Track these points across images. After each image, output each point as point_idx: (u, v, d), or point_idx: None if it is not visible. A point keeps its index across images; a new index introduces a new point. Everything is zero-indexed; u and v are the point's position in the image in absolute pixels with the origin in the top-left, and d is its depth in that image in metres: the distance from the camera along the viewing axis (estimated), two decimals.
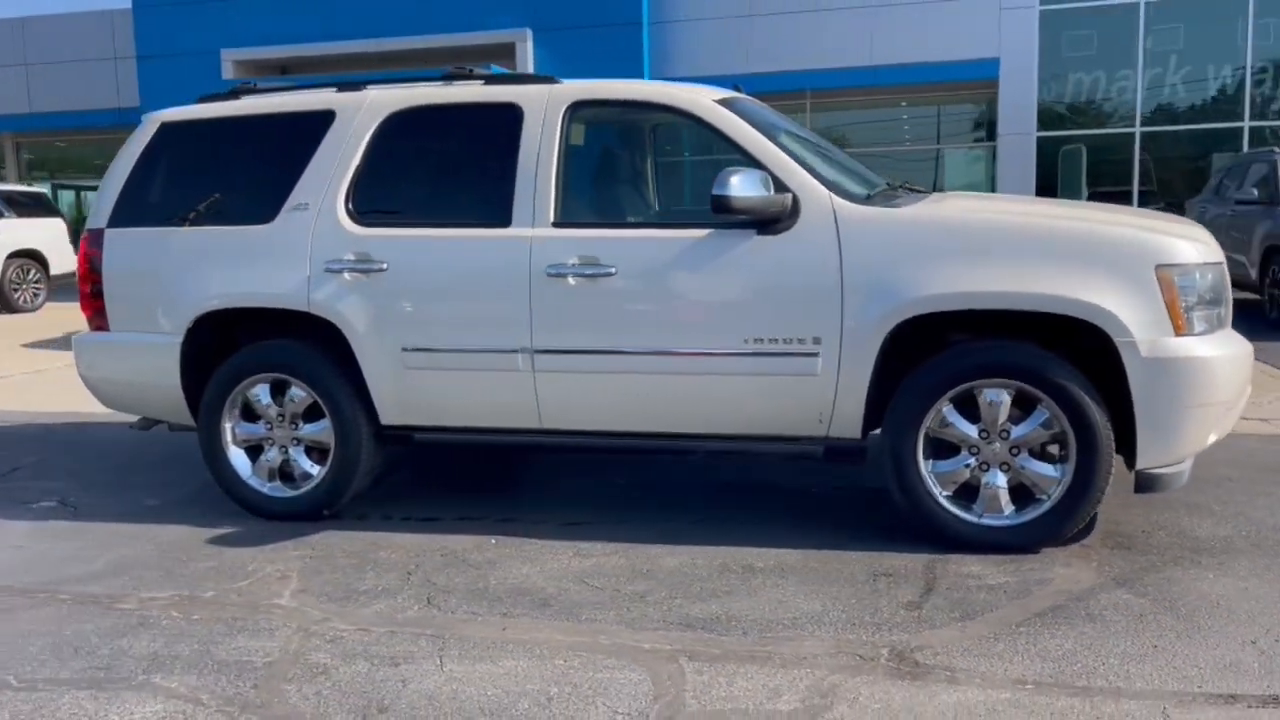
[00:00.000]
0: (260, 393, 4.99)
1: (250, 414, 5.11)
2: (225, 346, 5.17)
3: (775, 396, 4.42)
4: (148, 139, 5.21)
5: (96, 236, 5.18)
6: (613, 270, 4.48)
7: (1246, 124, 17.96)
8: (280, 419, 4.99)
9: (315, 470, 4.99)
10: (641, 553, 4.42)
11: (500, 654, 3.50)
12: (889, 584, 3.97)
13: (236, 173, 5.15)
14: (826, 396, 4.34)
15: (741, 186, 4.18)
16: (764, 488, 5.37)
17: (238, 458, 5.09)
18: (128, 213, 5.16)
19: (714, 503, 5.12)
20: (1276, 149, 11.61)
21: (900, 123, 20.76)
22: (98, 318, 5.21)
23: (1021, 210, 4.48)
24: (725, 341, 4.41)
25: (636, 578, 4.15)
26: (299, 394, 4.93)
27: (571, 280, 4.52)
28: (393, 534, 4.80)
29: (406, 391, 4.80)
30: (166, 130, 5.22)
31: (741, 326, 4.39)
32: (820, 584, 4.00)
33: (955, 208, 4.45)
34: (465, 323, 4.69)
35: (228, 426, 5.06)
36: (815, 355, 4.30)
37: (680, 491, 5.37)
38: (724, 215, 4.24)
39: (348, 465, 4.91)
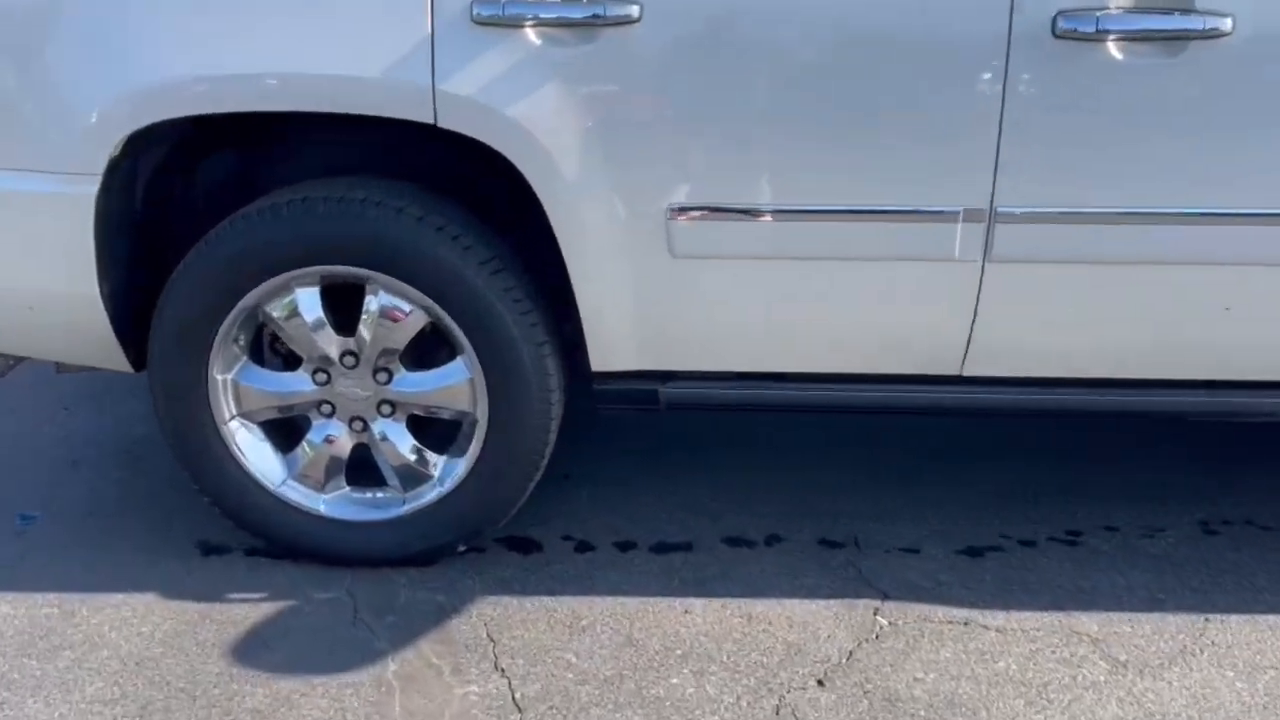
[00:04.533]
0: (302, 306, 2.21)
1: (265, 352, 2.36)
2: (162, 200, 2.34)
3: None
4: None
5: None
6: (1226, 24, 1.91)
7: None
8: (350, 361, 2.25)
9: (438, 463, 2.34)
10: (1076, 624, 2.11)
11: None
12: None
13: None
14: None
15: None
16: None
17: (251, 443, 2.34)
18: None
19: (999, 483, 2.82)
20: None
21: None
22: None
23: None
24: None
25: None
26: (397, 307, 2.19)
27: (1114, 48, 1.93)
28: (586, 591, 2.29)
29: (672, 300, 2.15)
30: None
31: None
32: None
33: None
34: (831, 155, 2.04)
35: (222, 381, 2.27)
36: None
37: (920, 469, 3.02)
38: None
39: (520, 452, 2.27)
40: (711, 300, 2.15)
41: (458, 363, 2.25)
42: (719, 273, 2.13)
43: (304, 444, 2.34)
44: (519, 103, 1.99)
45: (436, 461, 2.34)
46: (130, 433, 3.04)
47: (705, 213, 2.06)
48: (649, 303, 2.16)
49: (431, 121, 2.02)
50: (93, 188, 2.09)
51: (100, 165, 2.08)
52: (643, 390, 2.28)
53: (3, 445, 2.99)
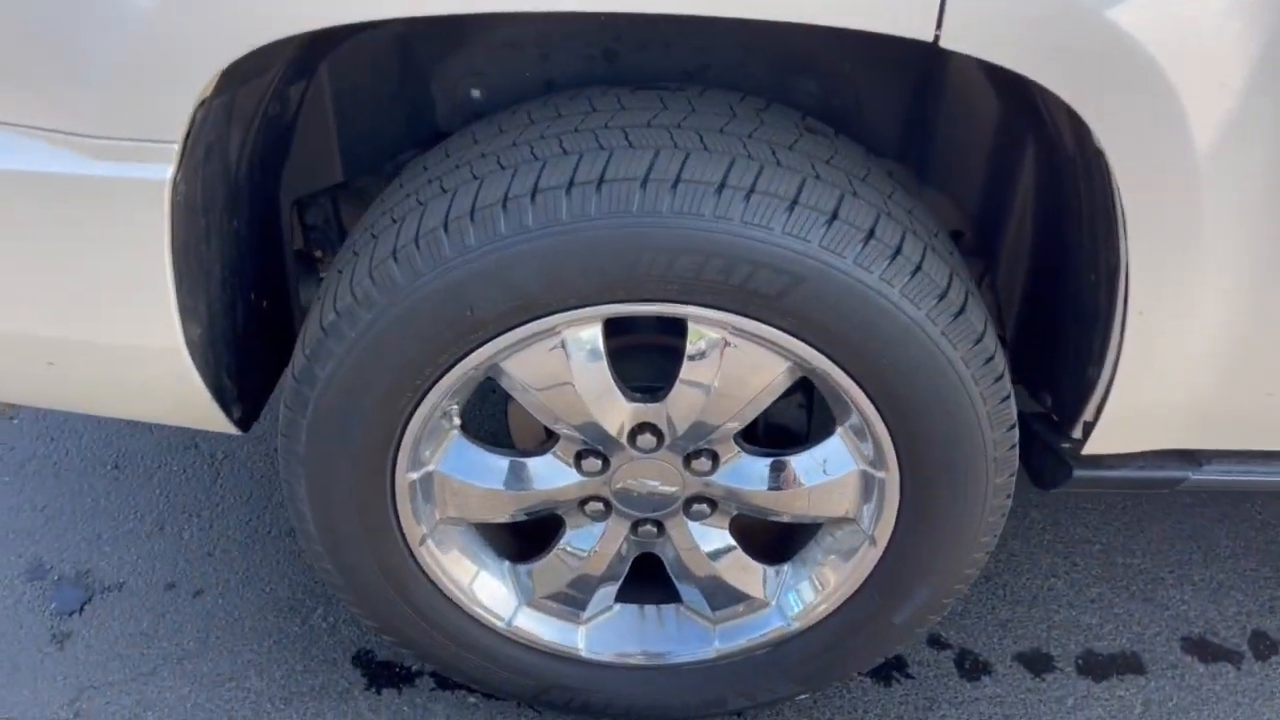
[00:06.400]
0: (574, 360, 1.16)
1: (466, 417, 1.38)
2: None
3: None
4: None
5: None
6: None
7: None
8: (649, 441, 1.23)
9: (777, 579, 1.38)
10: None
11: None
12: None
13: None
14: None
15: None
16: None
17: (464, 565, 1.36)
18: None
19: None
20: None
21: None
22: None
23: None
24: None
25: None
26: (750, 361, 1.16)
27: None
28: None
29: None
30: None
31: None
32: None
33: None
34: None
35: (419, 481, 1.26)
36: None
37: None
38: None
39: (932, 582, 1.32)
40: None
41: (836, 443, 1.25)
42: None
43: (554, 554, 1.37)
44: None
45: (773, 577, 1.39)
46: None
47: None
48: (1264, 363, 1.14)
49: (929, 37, 0.92)
50: (165, 168, 0.99)
51: (178, 126, 0.97)
52: (1161, 478, 1.31)
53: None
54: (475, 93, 1.32)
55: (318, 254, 1.49)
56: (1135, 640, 1.61)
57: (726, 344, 1.15)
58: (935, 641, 1.61)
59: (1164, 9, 0.90)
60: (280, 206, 1.34)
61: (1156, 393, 1.17)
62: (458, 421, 1.25)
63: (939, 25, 0.90)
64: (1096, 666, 1.57)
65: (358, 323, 1.11)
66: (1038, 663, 1.58)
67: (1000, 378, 1.16)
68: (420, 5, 0.94)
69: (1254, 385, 1.16)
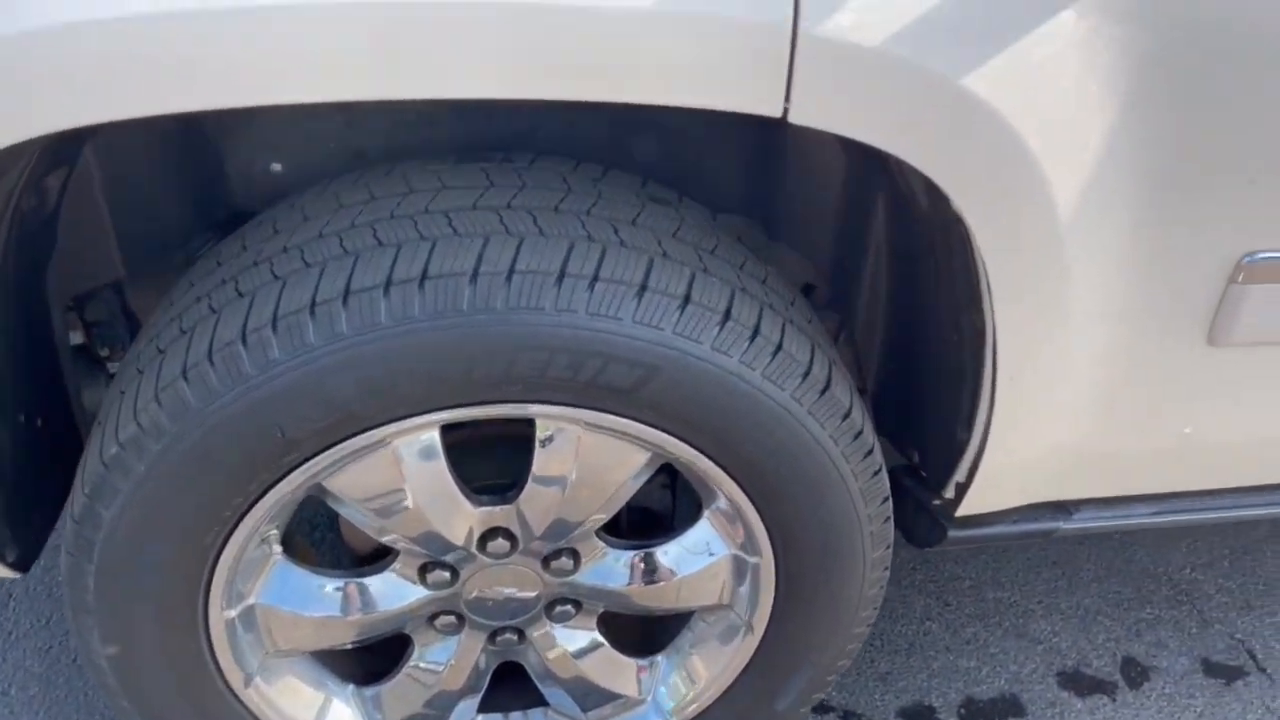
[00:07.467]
0: (408, 469, 1.02)
1: (297, 529, 1.23)
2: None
3: None
4: None
5: None
6: None
7: None
8: (501, 546, 1.10)
9: (649, 672, 1.27)
10: None
11: None
12: None
13: None
14: None
15: None
16: None
17: (300, 702, 1.21)
18: None
19: None
20: None
21: None
22: None
23: None
24: None
25: None
26: (608, 456, 1.05)
27: None
28: None
29: (1177, 410, 1.11)
30: None
31: None
32: None
33: None
34: None
35: (239, 616, 1.10)
36: None
37: None
38: None
39: (814, 664, 1.24)
40: (1251, 408, 1.12)
41: (704, 529, 1.16)
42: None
43: (405, 674, 1.22)
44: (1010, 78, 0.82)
45: (645, 671, 1.29)
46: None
47: None
48: (1130, 413, 1.11)
49: (778, 113, 0.83)
50: None
51: None
52: (1035, 530, 1.26)
53: None
54: (275, 166, 1.17)
55: (104, 352, 1.30)
56: (1013, 680, 1.58)
57: (580, 438, 1.04)
58: (818, 706, 1.54)
59: (1021, 77, 0.84)
60: (50, 307, 1.15)
61: (1029, 451, 1.12)
62: (278, 547, 1.09)
63: (787, 99, 0.82)
64: (978, 713, 1.53)
65: (146, 455, 0.94)
66: (920, 716, 1.53)
67: (870, 452, 1.09)
68: (163, 102, 0.78)
69: (1124, 434, 1.13)
